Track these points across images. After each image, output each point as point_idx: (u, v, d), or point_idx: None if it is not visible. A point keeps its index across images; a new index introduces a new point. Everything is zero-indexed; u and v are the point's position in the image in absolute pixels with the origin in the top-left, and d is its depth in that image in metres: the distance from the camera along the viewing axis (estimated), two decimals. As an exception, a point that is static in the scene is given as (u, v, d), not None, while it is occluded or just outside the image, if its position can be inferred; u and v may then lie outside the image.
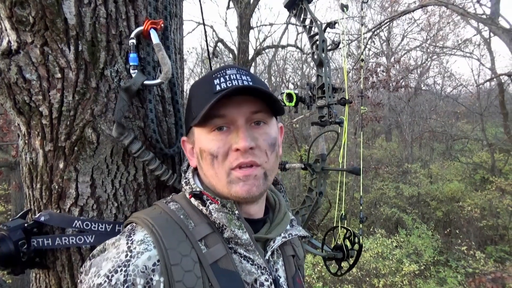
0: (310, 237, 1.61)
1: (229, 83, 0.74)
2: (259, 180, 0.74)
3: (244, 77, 0.75)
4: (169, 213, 0.75)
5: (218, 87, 0.74)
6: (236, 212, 0.75)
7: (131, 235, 0.70)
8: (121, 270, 0.63)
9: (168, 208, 0.77)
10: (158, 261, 0.66)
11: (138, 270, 0.64)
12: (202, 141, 0.77)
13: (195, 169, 0.86)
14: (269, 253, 0.79)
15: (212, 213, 0.75)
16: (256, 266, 0.75)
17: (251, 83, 0.74)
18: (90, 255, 0.72)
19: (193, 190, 0.78)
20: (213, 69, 0.87)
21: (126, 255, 0.65)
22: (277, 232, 0.82)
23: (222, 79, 0.75)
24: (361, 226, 1.76)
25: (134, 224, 0.74)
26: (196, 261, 0.68)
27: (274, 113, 0.80)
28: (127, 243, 0.68)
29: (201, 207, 0.77)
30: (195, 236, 0.72)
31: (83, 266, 0.71)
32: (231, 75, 0.75)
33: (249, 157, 0.73)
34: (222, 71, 0.77)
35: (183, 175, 0.86)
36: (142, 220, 0.72)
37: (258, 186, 0.74)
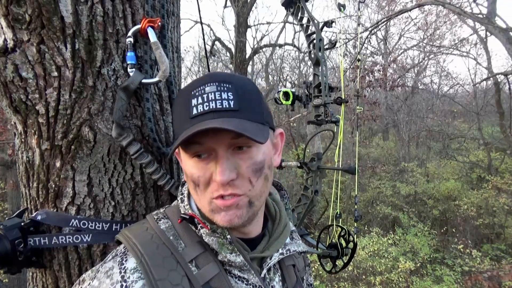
0: (306, 237, 1.61)
1: (206, 106, 0.66)
2: (241, 209, 0.70)
3: (224, 95, 0.67)
4: (159, 235, 0.73)
5: (194, 110, 0.67)
6: (228, 236, 0.73)
7: (123, 262, 0.69)
8: None
9: (158, 228, 0.75)
10: None
11: None
12: (185, 165, 0.73)
13: None
14: (264, 271, 0.78)
15: (203, 237, 0.74)
16: (251, 286, 0.74)
17: (231, 102, 0.67)
18: (81, 278, 0.71)
19: (184, 213, 0.76)
20: (211, 69, 0.84)
21: (122, 286, 0.65)
22: (275, 248, 0.80)
23: (199, 100, 0.67)
24: (356, 225, 1.77)
25: (127, 250, 0.72)
26: None
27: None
28: (120, 272, 0.67)
29: (193, 228, 0.75)
30: (185, 258, 0.71)
31: None
32: (210, 94, 0.67)
33: (228, 189, 0.68)
34: (201, 88, 0.69)
35: (180, 188, 0.83)
36: (132, 247, 0.70)
37: (241, 216, 0.70)
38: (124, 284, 0.65)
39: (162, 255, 0.70)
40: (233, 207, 0.69)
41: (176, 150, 0.79)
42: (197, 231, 0.75)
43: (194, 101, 0.68)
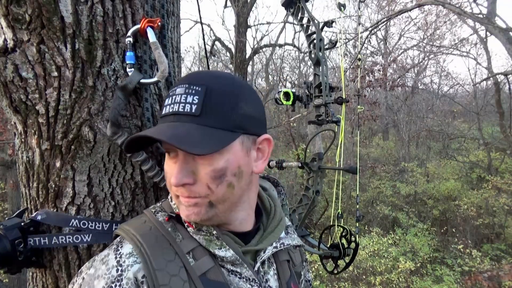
0: (307, 237, 1.61)
1: (171, 108, 0.69)
2: (200, 207, 0.70)
3: (189, 98, 0.68)
4: (157, 227, 0.74)
5: (164, 111, 0.71)
6: (214, 232, 0.74)
7: (119, 248, 0.69)
8: (115, 286, 0.64)
9: (156, 220, 0.76)
10: (145, 276, 0.66)
11: (131, 282, 0.65)
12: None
13: None
14: (258, 264, 0.78)
15: (191, 235, 0.75)
16: (244, 279, 0.74)
17: (194, 107, 0.67)
18: (79, 271, 0.71)
19: (171, 211, 0.77)
20: (211, 69, 0.83)
21: (117, 270, 0.65)
22: (269, 241, 0.81)
23: (169, 100, 0.70)
24: (357, 225, 1.77)
25: (123, 238, 0.73)
26: (185, 280, 0.68)
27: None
28: (116, 257, 0.67)
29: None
30: (183, 250, 0.72)
31: (70, 283, 0.70)
32: (177, 96, 0.69)
33: (185, 192, 0.70)
34: (174, 89, 0.71)
35: None
36: (131, 238, 0.71)
37: (198, 214, 0.70)
38: (120, 268, 0.66)
39: (161, 246, 0.70)
40: (192, 204, 0.70)
41: None
42: (185, 228, 0.76)
43: (166, 101, 0.72)
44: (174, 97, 0.70)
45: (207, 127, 0.67)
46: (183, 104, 0.68)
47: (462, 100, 16.79)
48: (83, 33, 0.88)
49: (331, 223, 1.70)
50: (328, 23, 1.61)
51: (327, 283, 7.45)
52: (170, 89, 0.73)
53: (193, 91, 0.68)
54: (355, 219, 1.81)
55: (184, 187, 0.69)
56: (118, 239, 0.74)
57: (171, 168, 0.71)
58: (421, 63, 16.50)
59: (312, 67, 1.63)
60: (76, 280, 0.69)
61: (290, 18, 10.10)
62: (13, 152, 6.80)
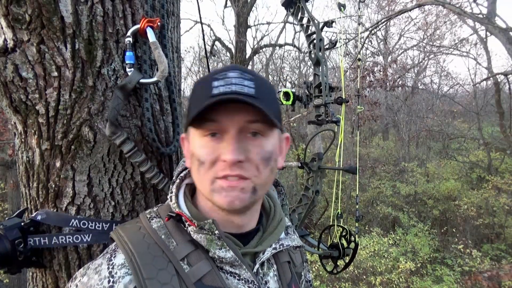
0: (307, 237, 1.61)
1: (228, 88, 0.68)
2: (246, 193, 0.70)
3: (246, 82, 0.69)
4: (151, 234, 0.74)
5: (215, 90, 0.68)
6: (216, 232, 0.73)
7: (112, 258, 0.70)
8: None
9: (150, 228, 0.76)
10: (135, 287, 0.66)
11: None
12: (194, 144, 0.74)
13: (183, 179, 0.84)
14: (257, 266, 0.78)
15: (192, 235, 0.74)
16: (243, 281, 0.74)
17: (252, 90, 0.68)
18: (73, 276, 0.72)
19: (170, 212, 0.77)
20: (211, 68, 0.83)
21: (109, 281, 0.66)
22: (268, 243, 0.81)
23: (222, 82, 0.69)
24: (357, 225, 1.77)
25: (117, 247, 0.73)
26: None
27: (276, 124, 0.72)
28: (108, 268, 0.68)
29: (182, 226, 0.76)
30: (176, 256, 0.71)
31: (66, 287, 0.71)
32: (232, 79, 0.69)
33: (236, 170, 0.68)
34: (223, 73, 0.70)
35: (171, 186, 0.84)
36: (123, 246, 0.71)
37: (243, 200, 0.70)
38: (112, 279, 0.66)
39: (153, 254, 0.70)
40: (237, 190, 0.69)
41: (183, 135, 0.80)
42: (185, 229, 0.75)
43: (215, 83, 0.69)
44: (227, 79, 0.69)
45: (266, 108, 0.69)
46: (241, 86, 0.68)
47: (462, 100, 16.79)
48: (83, 33, 0.88)
49: (331, 223, 1.70)
50: (328, 23, 1.61)
51: (328, 283, 7.46)
52: (214, 73, 0.72)
53: (247, 77, 0.70)
54: (354, 219, 1.81)
55: (236, 165, 0.68)
56: (112, 247, 0.74)
57: (212, 149, 0.70)
58: (421, 63, 16.52)
59: (312, 67, 1.63)
60: (70, 286, 0.70)
61: (290, 18, 10.11)
62: (13, 152, 6.80)
